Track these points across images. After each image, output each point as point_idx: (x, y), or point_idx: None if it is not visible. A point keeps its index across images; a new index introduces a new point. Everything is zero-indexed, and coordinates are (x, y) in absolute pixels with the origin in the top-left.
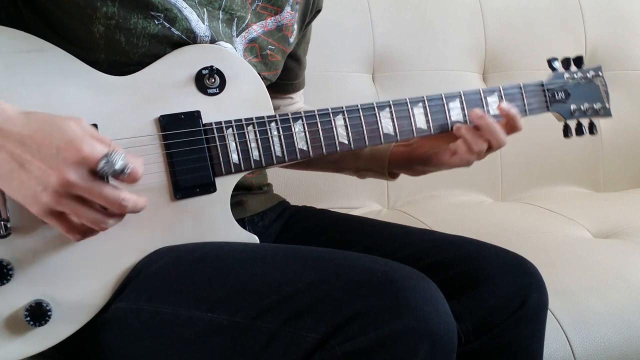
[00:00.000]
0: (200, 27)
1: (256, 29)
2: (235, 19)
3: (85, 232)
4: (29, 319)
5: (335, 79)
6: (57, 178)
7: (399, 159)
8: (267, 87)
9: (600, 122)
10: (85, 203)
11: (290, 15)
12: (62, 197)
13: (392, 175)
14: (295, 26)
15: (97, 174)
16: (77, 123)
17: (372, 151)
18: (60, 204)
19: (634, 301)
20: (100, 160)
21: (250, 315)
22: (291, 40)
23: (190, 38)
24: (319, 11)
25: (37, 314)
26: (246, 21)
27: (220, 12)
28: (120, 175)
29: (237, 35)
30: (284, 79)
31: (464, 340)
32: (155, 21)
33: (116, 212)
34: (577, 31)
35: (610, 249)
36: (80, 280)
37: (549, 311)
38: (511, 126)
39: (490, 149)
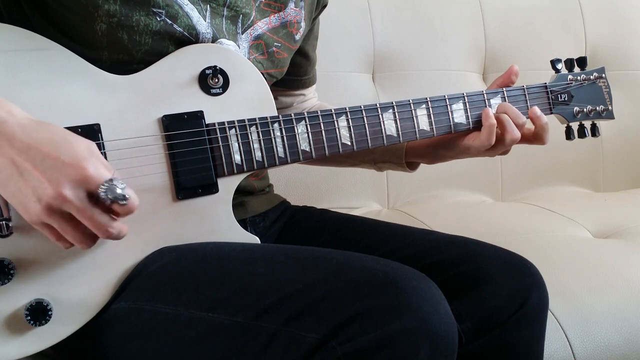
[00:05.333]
0: (202, 24)
1: (261, 26)
2: (241, 15)
3: (72, 244)
4: (29, 318)
5: (335, 79)
6: (53, 191)
7: (418, 148)
8: (278, 84)
9: (601, 122)
10: (73, 221)
11: (294, 12)
12: (53, 211)
13: (411, 166)
14: (303, 23)
15: (94, 197)
16: (88, 144)
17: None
18: (49, 218)
19: (634, 301)
20: (103, 183)
21: (250, 315)
22: (297, 37)
23: (192, 35)
24: (324, 6)
25: (38, 313)
26: (251, 18)
27: (225, 8)
28: (118, 202)
29: (243, 33)
30: (293, 75)
31: (464, 340)
32: (157, 18)
33: (100, 237)
34: (577, 31)
35: (610, 249)
36: (81, 280)
37: (549, 311)
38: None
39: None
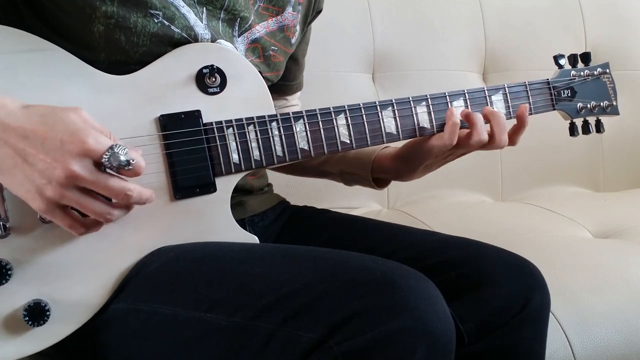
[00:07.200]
0: (199, 25)
1: (259, 30)
2: (238, 19)
3: (88, 225)
4: (27, 318)
5: (335, 79)
6: (63, 170)
7: (383, 161)
8: None
9: (605, 119)
10: (90, 195)
11: (291, 16)
12: (67, 189)
13: (378, 183)
14: (298, 27)
15: (101, 166)
16: (77, 114)
17: (357, 154)
18: (64, 197)
19: (634, 301)
20: (105, 152)
21: (248, 315)
22: (293, 41)
23: (190, 36)
24: (319, 12)
25: (36, 313)
26: (249, 22)
27: (222, 11)
28: (123, 168)
29: (239, 36)
30: (280, 80)
31: (467, 340)
32: (155, 19)
33: (121, 203)
34: (577, 31)
35: (610, 249)
36: (79, 280)
37: None
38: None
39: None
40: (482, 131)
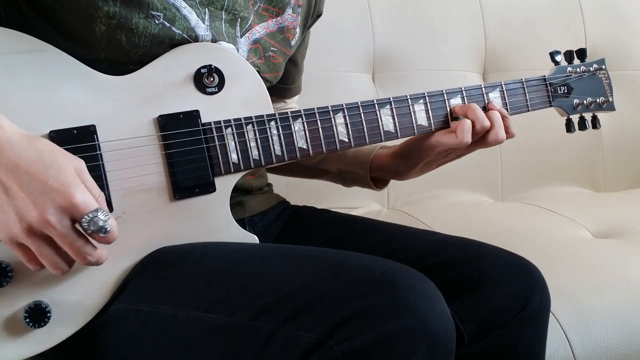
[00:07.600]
0: (200, 26)
1: (259, 30)
2: (239, 19)
3: (43, 266)
4: (28, 320)
5: (335, 79)
6: (38, 215)
7: (383, 158)
8: None
9: (601, 122)
10: (51, 244)
11: (291, 17)
12: (33, 233)
13: (376, 183)
14: (298, 29)
15: (77, 224)
16: (77, 167)
17: (355, 152)
18: (28, 239)
19: (634, 301)
20: (88, 214)
21: (248, 315)
22: (293, 43)
23: (191, 37)
24: (319, 15)
25: (37, 315)
26: (249, 22)
27: (223, 12)
28: (97, 234)
29: (242, 36)
30: (280, 83)
31: (467, 340)
32: (156, 20)
33: (78, 262)
34: (577, 31)
35: (610, 249)
36: (80, 281)
37: None
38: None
39: (485, 137)
40: (500, 129)
